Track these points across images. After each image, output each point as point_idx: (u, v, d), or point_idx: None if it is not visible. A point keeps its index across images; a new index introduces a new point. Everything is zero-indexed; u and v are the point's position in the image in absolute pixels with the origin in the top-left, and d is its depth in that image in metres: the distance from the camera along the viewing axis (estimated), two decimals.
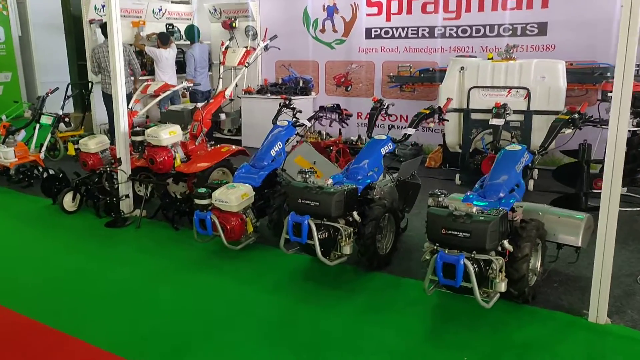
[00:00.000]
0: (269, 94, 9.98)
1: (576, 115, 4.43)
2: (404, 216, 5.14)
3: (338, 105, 6.42)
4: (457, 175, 7.45)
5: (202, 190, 4.85)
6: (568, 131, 4.47)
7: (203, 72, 10.09)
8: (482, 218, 3.49)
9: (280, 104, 6.04)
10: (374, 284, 4.38)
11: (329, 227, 4.22)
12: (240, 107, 10.38)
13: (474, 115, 7.15)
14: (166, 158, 5.69)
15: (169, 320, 3.89)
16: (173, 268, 4.76)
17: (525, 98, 6.84)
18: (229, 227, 4.76)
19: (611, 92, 6.15)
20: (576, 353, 3.42)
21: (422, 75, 8.65)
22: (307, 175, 4.46)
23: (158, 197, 5.91)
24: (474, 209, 3.65)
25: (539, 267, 4.06)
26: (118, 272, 4.73)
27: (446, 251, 3.55)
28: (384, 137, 4.99)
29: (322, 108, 6.30)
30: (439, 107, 5.19)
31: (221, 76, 6.65)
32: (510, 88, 6.98)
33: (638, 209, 6.11)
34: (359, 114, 9.65)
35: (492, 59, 7.30)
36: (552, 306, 3.95)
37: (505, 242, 3.64)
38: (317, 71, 10.27)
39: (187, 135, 6.13)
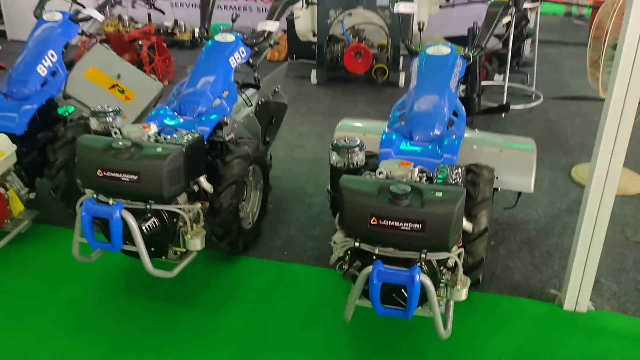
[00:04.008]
0: None
1: None
2: (266, 155, 3.48)
3: None
4: (314, 72, 5.85)
5: None
6: (507, 19, 3.05)
7: None
8: (441, 195, 1.98)
9: None
10: (250, 286, 2.76)
11: (160, 213, 2.40)
12: None
13: None
14: None
15: None
16: None
17: None
18: None
19: None
20: None
21: None
22: (108, 118, 2.51)
23: None
24: (416, 172, 2.14)
25: None
26: None
27: (377, 250, 2.04)
28: (231, 37, 3.12)
29: None
30: None
31: None
32: None
33: (529, 105, 5.18)
34: None
35: None
36: (505, 287, 2.75)
37: (463, 220, 2.21)
38: None
39: None
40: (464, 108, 2.75)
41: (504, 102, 4.91)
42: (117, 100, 3.72)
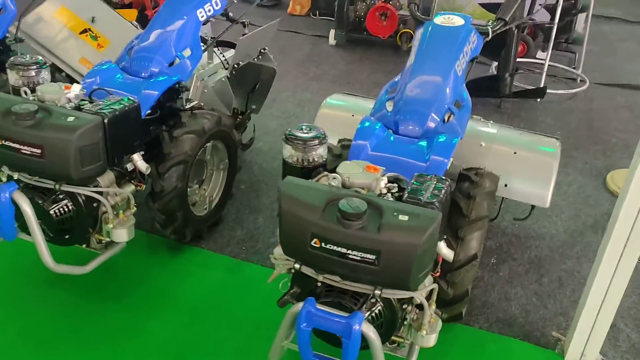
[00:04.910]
0: None
1: None
2: (245, 127, 3.01)
3: None
4: (332, 33, 5.27)
5: None
6: None
7: None
8: (406, 219, 1.48)
9: None
10: (193, 285, 2.33)
11: (75, 195, 1.97)
12: None
13: None
14: None
15: None
16: None
17: None
18: None
19: None
20: None
21: None
22: (30, 72, 2.07)
23: None
24: (383, 182, 1.64)
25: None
26: None
27: (321, 277, 1.57)
28: None
29: None
30: None
31: None
32: None
33: (571, 90, 4.51)
34: None
35: None
36: (498, 321, 2.25)
37: (442, 246, 1.70)
38: None
39: None
40: (470, 98, 2.19)
41: (542, 84, 4.27)
42: (87, 47, 3.27)
